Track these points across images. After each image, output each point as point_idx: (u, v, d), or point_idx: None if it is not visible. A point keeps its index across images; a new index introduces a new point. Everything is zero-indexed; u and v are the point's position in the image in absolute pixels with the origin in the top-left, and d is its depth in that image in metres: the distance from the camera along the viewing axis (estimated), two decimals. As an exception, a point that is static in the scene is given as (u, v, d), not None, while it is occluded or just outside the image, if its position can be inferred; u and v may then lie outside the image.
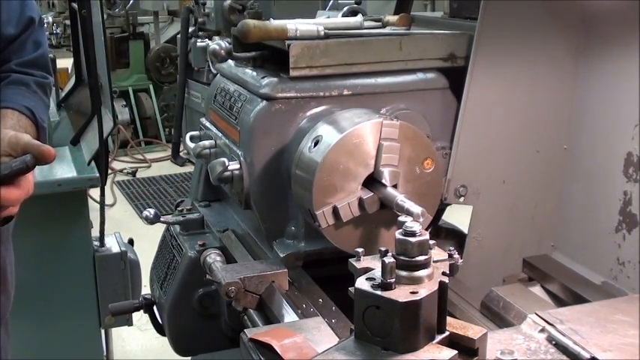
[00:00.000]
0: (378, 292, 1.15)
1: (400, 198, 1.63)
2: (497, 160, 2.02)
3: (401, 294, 1.15)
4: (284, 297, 1.76)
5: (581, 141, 2.00)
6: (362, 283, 1.19)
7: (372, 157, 1.70)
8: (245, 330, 1.51)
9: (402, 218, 1.25)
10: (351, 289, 1.22)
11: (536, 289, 1.93)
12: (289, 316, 1.68)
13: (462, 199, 2.00)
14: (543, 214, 2.07)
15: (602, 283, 1.87)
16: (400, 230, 1.20)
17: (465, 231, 2.07)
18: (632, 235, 1.82)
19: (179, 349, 2.28)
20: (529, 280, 1.98)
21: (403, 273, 1.18)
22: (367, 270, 1.25)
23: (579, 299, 1.76)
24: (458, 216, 2.20)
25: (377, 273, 1.19)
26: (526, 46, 1.96)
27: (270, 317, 1.74)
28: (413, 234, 1.19)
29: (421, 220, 1.51)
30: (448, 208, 2.10)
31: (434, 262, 1.22)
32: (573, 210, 2.03)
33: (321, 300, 1.76)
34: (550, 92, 2.00)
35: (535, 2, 1.93)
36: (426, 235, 1.20)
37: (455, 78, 1.98)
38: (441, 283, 1.19)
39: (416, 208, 1.57)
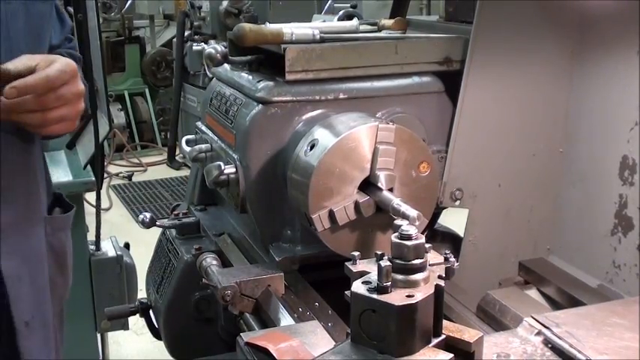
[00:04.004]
0: (374, 296, 1.15)
1: (396, 201, 1.63)
2: (493, 163, 2.02)
3: (397, 297, 1.14)
4: (280, 301, 1.75)
5: (576, 144, 2.00)
6: (358, 286, 1.18)
7: (367, 161, 1.70)
8: (241, 334, 1.51)
9: (398, 222, 1.25)
10: (347, 292, 1.22)
11: (532, 293, 1.93)
12: (285, 319, 1.67)
13: (457, 203, 2.00)
14: (539, 217, 2.07)
15: (598, 286, 1.88)
16: (396, 234, 1.20)
17: (461, 234, 2.07)
18: (627, 238, 1.83)
19: (175, 353, 2.28)
20: (525, 284, 1.98)
21: (399, 276, 1.17)
22: (363, 273, 1.25)
23: (575, 302, 1.77)
24: (454, 219, 2.20)
25: (373, 277, 1.19)
26: (521, 50, 1.97)
27: (267, 321, 1.74)
28: (409, 237, 1.19)
29: (417, 223, 1.52)
30: (444, 211, 2.10)
31: (430, 265, 1.22)
32: (569, 213, 2.03)
33: (317, 304, 1.75)
34: (545, 95, 2.01)
35: (530, 6, 1.94)
36: (422, 239, 1.20)
37: (450, 81, 1.98)
38: (437, 287, 1.19)
39: (412, 212, 1.57)
